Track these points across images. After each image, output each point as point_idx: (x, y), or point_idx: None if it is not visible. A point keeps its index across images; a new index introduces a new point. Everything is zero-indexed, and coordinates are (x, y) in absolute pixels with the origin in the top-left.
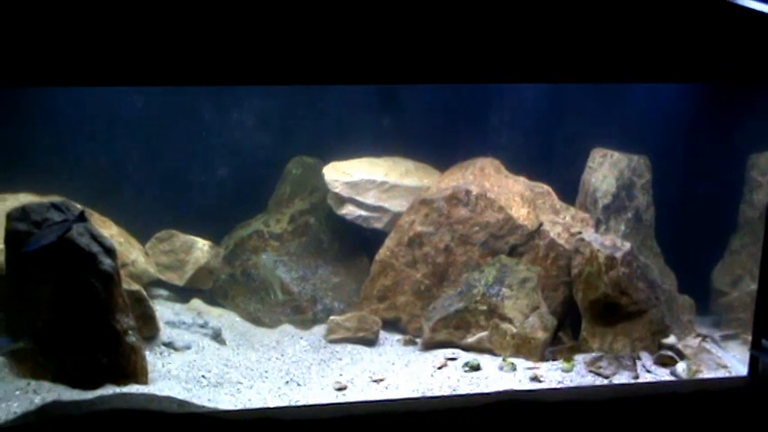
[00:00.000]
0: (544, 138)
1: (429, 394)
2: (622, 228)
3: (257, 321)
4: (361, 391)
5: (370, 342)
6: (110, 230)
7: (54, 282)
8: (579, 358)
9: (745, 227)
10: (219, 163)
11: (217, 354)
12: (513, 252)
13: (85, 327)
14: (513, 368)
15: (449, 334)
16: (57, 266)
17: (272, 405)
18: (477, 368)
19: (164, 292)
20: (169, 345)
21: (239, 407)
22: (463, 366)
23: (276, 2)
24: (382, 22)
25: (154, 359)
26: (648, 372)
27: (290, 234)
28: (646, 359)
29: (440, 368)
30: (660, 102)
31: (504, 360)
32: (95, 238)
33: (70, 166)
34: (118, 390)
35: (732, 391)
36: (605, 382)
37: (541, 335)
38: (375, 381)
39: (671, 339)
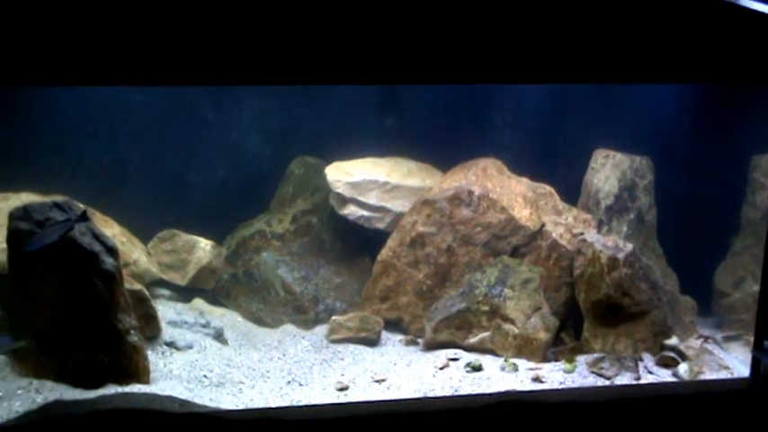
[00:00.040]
0: (546, 138)
1: (431, 395)
2: (624, 229)
3: (259, 321)
4: (363, 392)
5: (372, 342)
6: (112, 230)
7: (56, 281)
8: (581, 359)
9: (747, 228)
10: (222, 163)
11: (219, 353)
12: (515, 253)
13: (87, 326)
14: (515, 369)
15: (451, 334)
16: (59, 266)
17: (273, 405)
18: (478, 369)
19: (166, 292)
20: (171, 344)
21: (241, 407)
22: (465, 367)
23: (277, 1)
24: (384, 22)
25: (156, 359)
26: (650, 373)
27: (292, 234)
28: (648, 360)
29: (442, 368)
30: (663, 103)
31: (505, 361)
32: (97, 237)
33: (72, 166)
34: (120, 389)
35: (734, 392)
36: (607, 383)
37: (543, 335)
38: (377, 381)
39: (673, 340)
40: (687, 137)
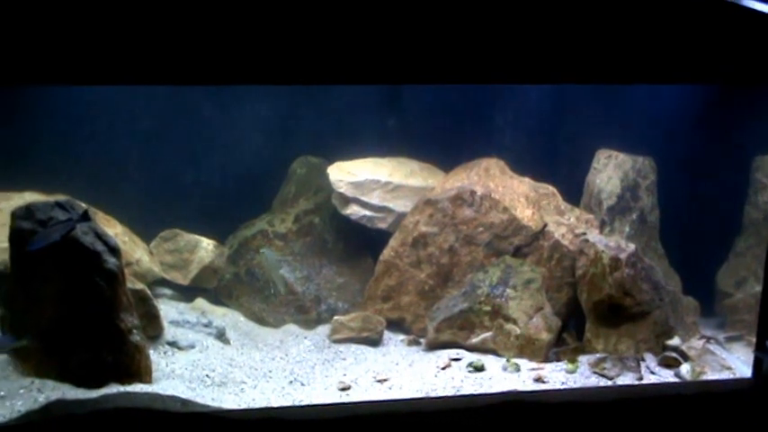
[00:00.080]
0: (549, 139)
1: (433, 394)
2: (627, 229)
3: (261, 321)
4: (365, 391)
5: (374, 342)
6: (114, 229)
7: (59, 280)
8: (583, 359)
9: (749, 228)
10: (224, 162)
11: (221, 353)
12: (517, 253)
13: (90, 325)
14: (517, 369)
15: (453, 334)
16: (61, 265)
17: (275, 405)
18: (481, 369)
19: (168, 292)
20: (173, 344)
21: (243, 406)
22: (467, 367)
23: (279, 1)
24: (386, 21)
25: (158, 358)
26: (652, 373)
27: (294, 234)
28: (650, 360)
29: (444, 368)
30: (665, 103)
31: (508, 361)
32: (100, 236)
33: (75, 165)
34: (122, 389)
35: (736, 392)
36: (609, 383)
37: (545, 336)
38: (379, 381)
39: (675, 341)
40: (689, 137)
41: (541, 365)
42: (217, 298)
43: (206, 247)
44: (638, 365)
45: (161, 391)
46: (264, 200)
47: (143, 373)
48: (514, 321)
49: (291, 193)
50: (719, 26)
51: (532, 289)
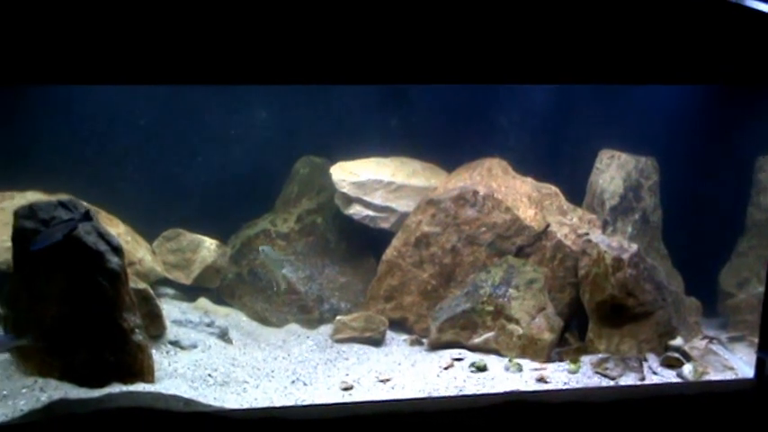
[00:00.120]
0: (551, 139)
1: (435, 394)
2: (629, 229)
3: (264, 321)
4: (368, 391)
5: (377, 342)
6: (117, 229)
7: (61, 280)
8: (586, 359)
9: (752, 229)
10: (227, 162)
11: (223, 353)
12: (519, 253)
13: (92, 325)
14: (520, 369)
15: (455, 334)
16: (64, 264)
17: (278, 404)
18: (483, 369)
19: (170, 291)
20: (176, 343)
21: (245, 406)
22: (469, 367)
23: (281, 1)
24: (389, 21)
25: (160, 358)
26: (655, 373)
27: (297, 233)
28: (652, 361)
29: (446, 368)
30: (668, 103)
31: (510, 361)
32: (102, 236)
33: (78, 165)
34: (124, 388)
35: (739, 393)
36: (611, 383)
37: (548, 336)
38: (381, 381)
39: (677, 341)
40: (692, 138)
41: (544, 366)
42: (219, 297)
43: (208, 246)
44: (641, 366)
45: (163, 391)
46: (267, 199)
47: (145, 373)
48: (517, 321)
49: (294, 192)
50: (722, 26)
51: (535, 289)
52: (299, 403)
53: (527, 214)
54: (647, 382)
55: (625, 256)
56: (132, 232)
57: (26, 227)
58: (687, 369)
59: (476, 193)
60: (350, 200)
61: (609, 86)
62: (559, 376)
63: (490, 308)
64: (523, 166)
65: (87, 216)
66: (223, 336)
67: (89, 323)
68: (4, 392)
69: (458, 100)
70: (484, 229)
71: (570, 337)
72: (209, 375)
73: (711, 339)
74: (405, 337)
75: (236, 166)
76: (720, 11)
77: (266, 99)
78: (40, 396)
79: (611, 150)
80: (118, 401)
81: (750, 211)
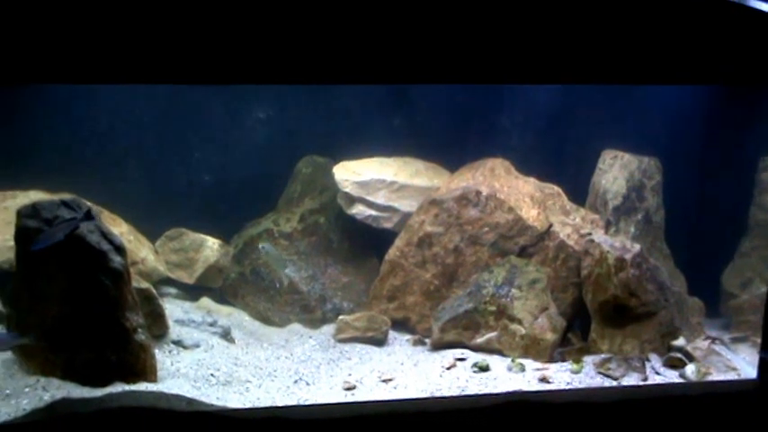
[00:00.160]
0: (554, 139)
1: (438, 394)
2: (632, 229)
3: (266, 320)
4: (370, 391)
5: (380, 342)
6: (120, 228)
7: (64, 279)
8: (588, 359)
9: (755, 229)
10: (230, 161)
11: (226, 352)
12: (522, 253)
13: (95, 324)
14: (522, 369)
15: (458, 334)
16: (67, 264)
17: (280, 404)
18: (485, 369)
19: (173, 291)
20: (178, 343)
21: (248, 405)
22: (472, 367)
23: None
24: (391, 21)
25: (163, 357)
26: (657, 374)
27: (299, 233)
28: (655, 361)
29: (449, 368)
30: (671, 103)
31: (512, 361)
32: (105, 235)
33: (80, 164)
34: (127, 387)
35: (741, 393)
36: (614, 383)
37: (550, 336)
38: (384, 380)
39: (680, 341)
40: (695, 138)
41: (546, 366)
42: (222, 297)
43: (211, 246)
44: (643, 366)
45: (166, 390)
46: (270, 199)
47: (148, 372)
48: (519, 321)
49: (297, 192)
50: (723, 26)
51: (537, 289)
52: (302, 403)
53: (530, 214)
54: (649, 382)
55: (628, 257)
56: (135, 231)
57: (29, 226)
58: (690, 369)
59: (479, 193)
60: (353, 199)
61: (612, 86)
62: (562, 376)
63: (493, 308)
64: (526, 166)
65: (89, 215)
66: (226, 335)
67: (92, 322)
68: (7, 391)
69: (461, 100)
70: (487, 229)
71: (573, 338)
72: (212, 375)
73: (714, 340)
74: (407, 336)
75: (239, 166)
76: (722, 11)
77: (269, 98)
78: (43, 395)
79: (614, 150)
80: (120, 401)
81: (753, 211)
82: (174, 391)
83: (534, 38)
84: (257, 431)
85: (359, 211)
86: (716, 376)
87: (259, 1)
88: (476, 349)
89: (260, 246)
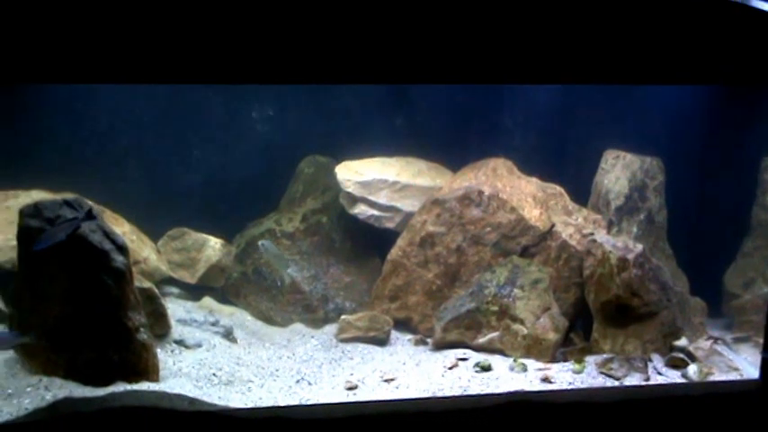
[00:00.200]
0: (556, 139)
1: (440, 394)
2: (634, 229)
3: (269, 320)
4: (372, 391)
5: (382, 342)
6: (122, 228)
7: (66, 278)
8: (590, 359)
9: (757, 229)
10: (232, 161)
11: (228, 352)
12: (524, 253)
13: (97, 324)
14: (524, 369)
15: (460, 334)
16: (69, 263)
17: (282, 404)
18: (487, 368)
19: (175, 290)
20: (180, 342)
21: (250, 405)
22: (474, 367)
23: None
24: (392, 21)
25: (165, 357)
26: (659, 374)
27: (302, 233)
28: (657, 361)
29: (451, 368)
30: (673, 103)
31: (514, 361)
32: (108, 235)
33: (82, 163)
34: (129, 387)
35: (744, 393)
36: (616, 383)
37: (552, 336)
38: (386, 380)
39: (682, 341)
40: (698, 138)
41: (548, 366)
42: (224, 297)
43: (213, 245)
44: (646, 366)
45: (168, 390)
46: (272, 199)
47: (150, 372)
48: (522, 321)
49: (299, 192)
50: (725, 26)
51: (540, 289)
52: (304, 402)
53: (532, 214)
54: (651, 382)
55: (630, 257)
56: (137, 231)
57: (31, 225)
58: (692, 369)
59: (481, 192)
60: (355, 199)
61: (614, 86)
62: (564, 376)
63: (495, 308)
64: (528, 166)
65: (90, 215)
66: (228, 335)
67: (94, 322)
68: (9, 391)
69: (463, 100)
70: (489, 228)
71: (575, 337)
72: (214, 374)
73: (716, 340)
74: (409, 336)
75: (241, 165)
76: (723, 11)
77: (271, 98)
78: (45, 395)
79: (617, 150)
80: (122, 400)
81: (755, 211)
82: (177, 390)
83: (535, 38)
84: (259, 431)
85: (361, 210)
86: (718, 376)
87: (259, 1)
88: (478, 349)
89: (260, 243)
